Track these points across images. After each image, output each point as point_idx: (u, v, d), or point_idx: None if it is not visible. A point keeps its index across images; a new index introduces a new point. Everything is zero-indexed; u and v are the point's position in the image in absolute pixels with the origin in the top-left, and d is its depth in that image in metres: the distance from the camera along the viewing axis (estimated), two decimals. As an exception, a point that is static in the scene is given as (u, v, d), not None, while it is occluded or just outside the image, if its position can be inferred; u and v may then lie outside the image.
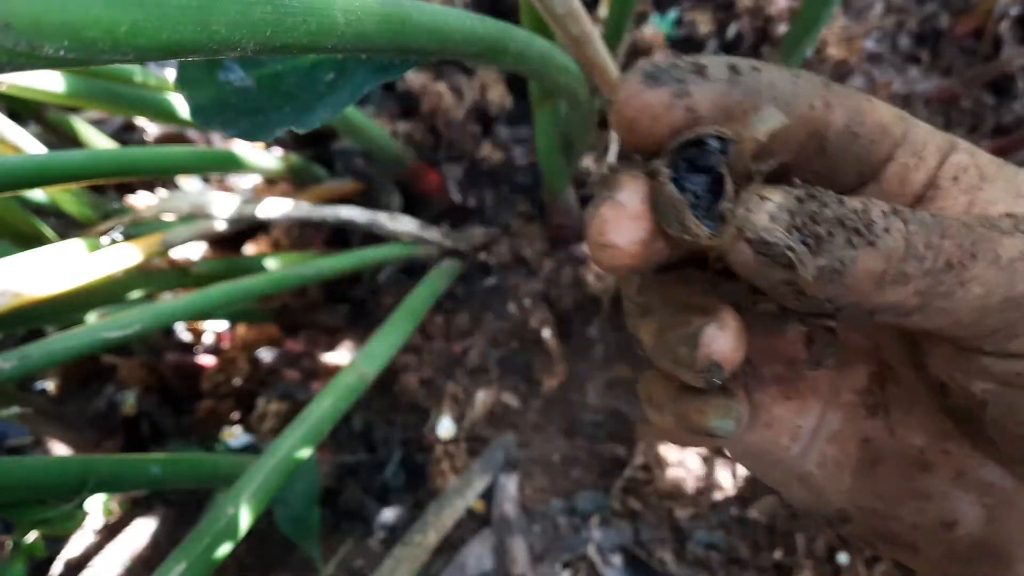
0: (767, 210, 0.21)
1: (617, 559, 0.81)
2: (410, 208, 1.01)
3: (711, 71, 0.23)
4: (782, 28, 1.00)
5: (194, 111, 0.40)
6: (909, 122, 0.26)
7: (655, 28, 1.03)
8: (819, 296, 0.21)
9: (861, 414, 0.28)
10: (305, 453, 0.65)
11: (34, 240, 0.75)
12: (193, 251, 1.03)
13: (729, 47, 1.05)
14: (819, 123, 0.24)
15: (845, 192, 0.26)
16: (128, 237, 0.75)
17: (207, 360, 1.03)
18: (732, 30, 1.05)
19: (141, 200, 0.95)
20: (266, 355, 1.04)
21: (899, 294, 0.21)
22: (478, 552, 0.84)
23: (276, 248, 1.04)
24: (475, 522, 0.87)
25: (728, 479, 0.84)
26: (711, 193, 0.22)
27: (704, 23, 1.05)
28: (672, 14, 1.07)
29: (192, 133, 1.12)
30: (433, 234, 0.95)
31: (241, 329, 1.04)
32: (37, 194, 0.80)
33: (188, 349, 1.06)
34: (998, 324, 0.22)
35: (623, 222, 0.22)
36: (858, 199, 0.21)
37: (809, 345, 0.27)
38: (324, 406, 0.69)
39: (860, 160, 0.25)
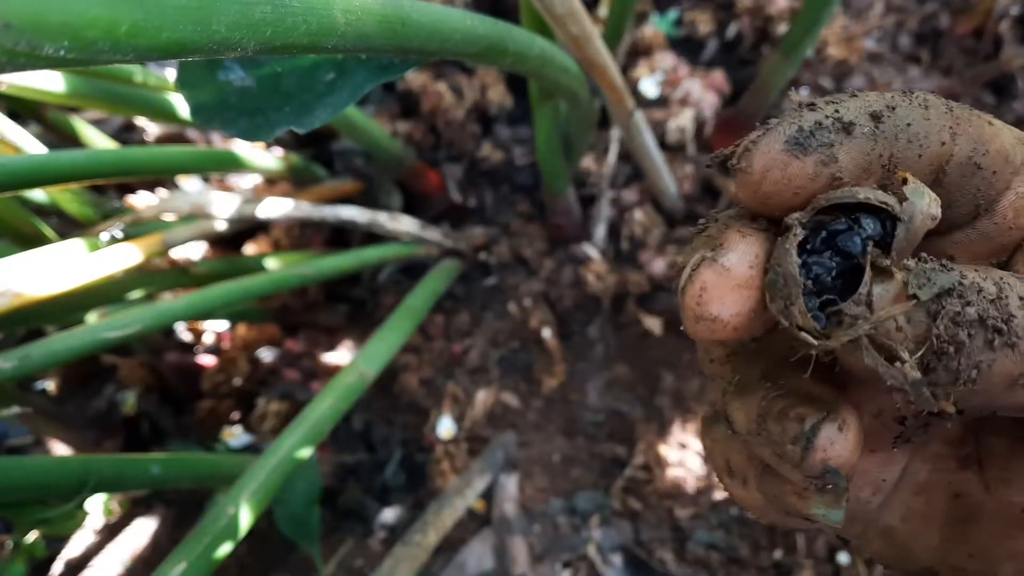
0: (901, 323, 0.17)
1: (617, 559, 0.81)
2: (410, 208, 1.01)
3: (857, 127, 0.20)
4: (782, 28, 1.00)
5: (194, 111, 0.40)
6: None
7: (655, 28, 1.03)
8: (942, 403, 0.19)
9: (951, 466, 0.25)
10: (305, 453, 0.66)
11: (34, 240, 0.75)
12: (193, 251, 1.03)
13: (729, 47, 1.05)
14: (943, 156, 0.21)
15: (953, 228, 0.24)
16: (128, 237, 0.75)
17: (207, 360, 1.03)
18: (732, 30, 1.05)
19: (141, 200, 0.95)
20: (266, 355, 1.04)
21: None
22: (478, 552, 0.84)
23: (276, 248, 1.04)
24: (475, 522, 0.87)
25: (728, 479, 0.84)
26: (837, 279, 0.19)
27: (704, 23, 1.05)
28: (672, 14, 1.07)
29: (192, 133, 1.12)
30: (433, 234, 0.95)
31: (241, 329, 1.04)
32: (37, 194, 0.80)
33: (188, 349, 1.06)
34: None
35: (727, 292, 0.19)
36: (992, 280, 0.18)
37: (901, 419, 0.24)
38: (324, 406, 0.69)
39: (979, 193, 0.22)
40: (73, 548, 0.93)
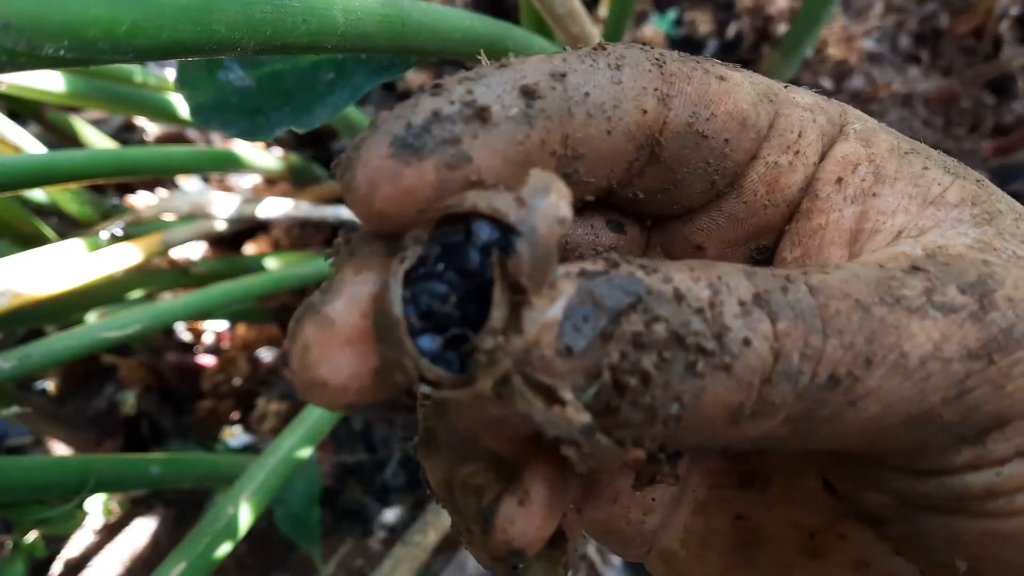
0: (553, 354, 0.13)
1: (617, 558, 0.81)
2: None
3: (496, 111, 0.15)
4: (782, 28, 1.00)
5: (194, 111, 0.40)
6: (780, 101, 0.18)
7: (655, 28, 1.03)
8: (644, 449, 0.14)
9: (732, 482, 0.21)
10: (305, 453, 0.65)
11: (34, 240, 0.75)
12: (193, 251, 1.02)
13: (729, 47, 1.05)
14: (652, 127, 0.17)
15: (691, 211, 0.19)
16: (128, 237, 0.75)
17: (207, 360, 1.03)
18: (732, 30, 1.05)
19: (141, 200, 0.95)
20: (266, 355, 1.04)
21: (761, 427, 0.14)
22: (478, 552, 0.84)
23: (276, 248, 1.04)
24: (475, 522, 0.87)
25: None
26: (469, 306, 0.14)
27: (704, 23, 1.05)
28: (672, 14, 1.07)
29: (192, 133, 1.12)
30: (433, 234, 0.95)
31: (241, 329, 1.04)
32: (37, 194, 0.80)
33: (188, 349, 1.06)
34: (901, 445, 0.15)
35: (336, 351, 0.14)
36: (705, 282, 0.14)
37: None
38: (324, 406, 0.69)
39: (711, 167, 0.18)
40: (73, 548, 0.93)
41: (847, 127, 0.19)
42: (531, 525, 0.15)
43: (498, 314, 0.13)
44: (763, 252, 0.20)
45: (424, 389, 0.14)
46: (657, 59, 0.17)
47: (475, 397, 0.14)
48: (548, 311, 0.13)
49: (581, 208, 0.19)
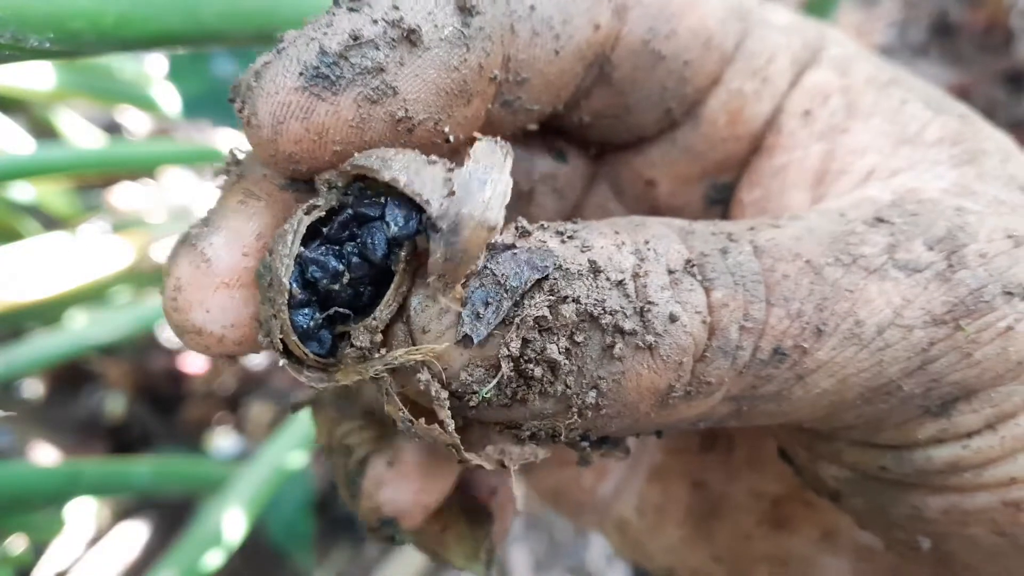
0: (440, 352, 0.12)
1: (621, 567, 0.81)
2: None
3: (427, 31, 0.12)
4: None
5: (185, 104, 0.39)
6: (751, 20, 0.16)
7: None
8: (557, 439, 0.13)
9: (692, 446, 0.20)
10: (297, 458, 0.64)
11: (18, 237, 0.73)
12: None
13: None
14: (604, 43, 0.15)
15: (643, 141, 0.17)
16: (115, 231, 0.74)
17: (197, 364, 1.02)
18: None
19: (128, 197, 0.94)
20: (257, 359, 1.03)
21: (697, 408, 0.13)
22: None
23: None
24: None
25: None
26: (362, 281, 0.13)
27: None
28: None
29: (183, 127, 1.11)
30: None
31: (232, 330, 1.02)
32: (22, 193, 0.79)
33: (178, 352, 1.05)
34: (857, 419, 0.14)
35: (211, 293, 0.13)
36: (631, 247, 0.12)
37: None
38: (318, 410, 0.68)
39: (667, 92, 0.16)
40: (63, 554, 0.91)
41: (822, 52, 0.16)
42: (404, 489, 0.14)
43: (384, 313, 0.12)
44: (722, 190, 0.18)
45: (282, 361, 0.13)
46: None
47: (332, 387, 0.13)
48: (446, 302, 0.12)
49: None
